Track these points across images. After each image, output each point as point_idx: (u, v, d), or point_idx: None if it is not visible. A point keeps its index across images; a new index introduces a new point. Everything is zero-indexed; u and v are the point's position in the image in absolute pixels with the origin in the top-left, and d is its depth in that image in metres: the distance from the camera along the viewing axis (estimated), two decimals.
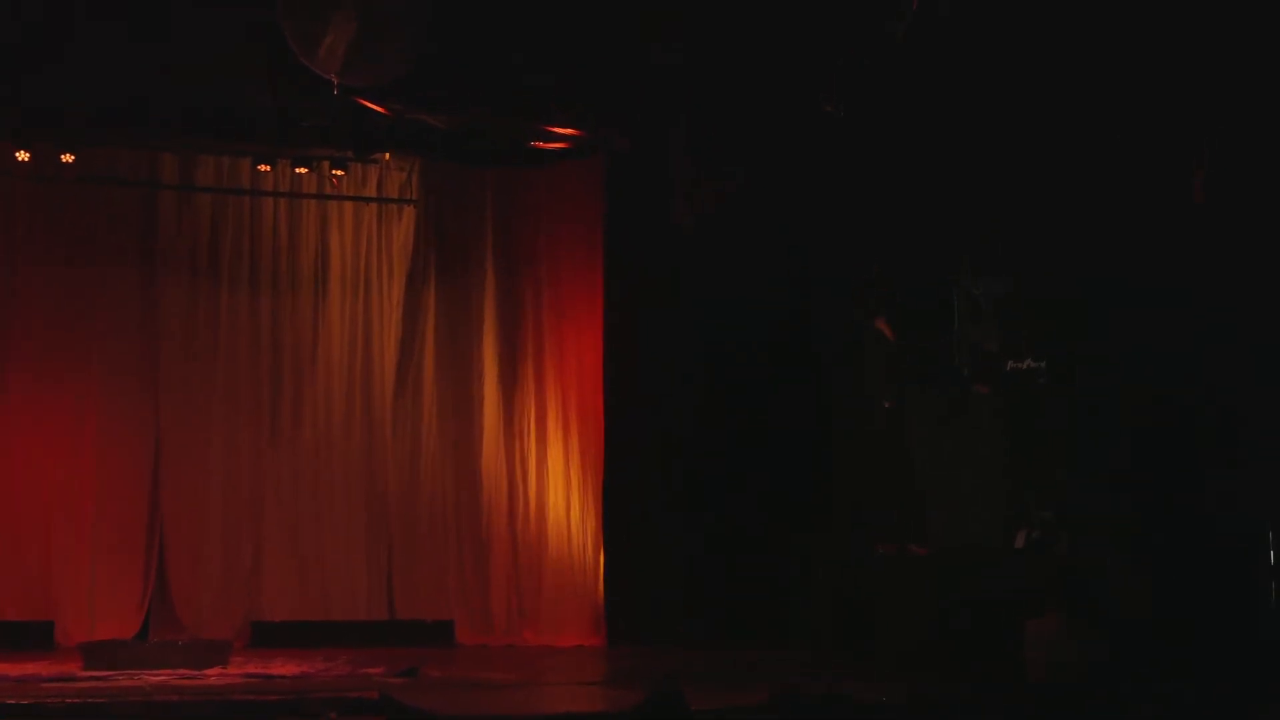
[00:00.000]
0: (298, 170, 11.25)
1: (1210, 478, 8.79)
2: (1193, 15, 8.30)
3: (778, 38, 9.30)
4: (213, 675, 8.57)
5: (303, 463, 11.45)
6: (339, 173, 11.30)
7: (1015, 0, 8.79)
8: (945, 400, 10.18)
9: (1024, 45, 8.95)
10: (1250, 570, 8.51)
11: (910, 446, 10.22)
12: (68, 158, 10.66)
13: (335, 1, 8.63)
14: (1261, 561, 8.49)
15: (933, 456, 10.14)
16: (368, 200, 11.77)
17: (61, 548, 10.90)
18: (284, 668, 8.98)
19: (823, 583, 10.51)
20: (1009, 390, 9.96)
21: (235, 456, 11.33)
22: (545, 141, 11.03)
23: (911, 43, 8.73)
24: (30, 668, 8.73)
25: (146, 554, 11.08)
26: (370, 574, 11.47)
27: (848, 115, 9.34)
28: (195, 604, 11.05)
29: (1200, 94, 8.58)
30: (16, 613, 10.72)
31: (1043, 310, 9.84)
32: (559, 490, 11.66)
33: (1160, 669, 8.01)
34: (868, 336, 10.42)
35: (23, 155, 10.55)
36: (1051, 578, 8.68)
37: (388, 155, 11.48)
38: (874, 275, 10.60)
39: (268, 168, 11.19)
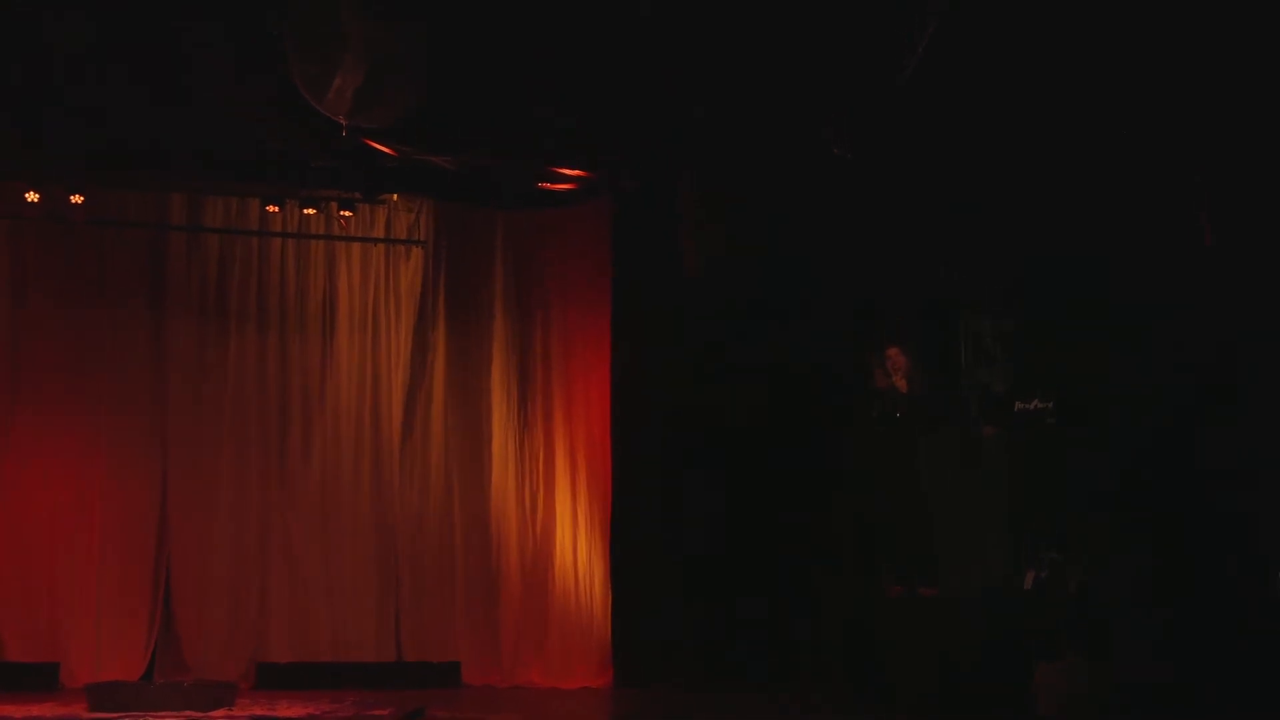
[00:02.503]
0: (306, 211, 11.25)
1: (1220, 516, 8.78)
2: (1197, 57, 8.33)
3: (785, 82, 9.34)
4: (219, 717, 8.56)
5: (310, 503, 11.42)
6: (347, 213, 11.32)
7: (1020, 42, 8.82)
8: (954, 442, 10.16)
9: (1030, 88, 8.99)
10: (1261, 607, 8.48)
11: (919, 488, 10.21)
12: (78, 199, 10.70)
13: (344, 45, 8.69)
14: (1273, 598, 8.47)
15: (942, 498, 10.12)
16: (376, 241, 11.78)
17: (67, 588, 10.87)
18: (290, 709, 8.96)
19: (832, 624, 10.48)
20: (1017, 431, 9.96)
21: (242, 497, 11.30)
22: (553, 183, 11.06)
23: (919, 85, 8.76)
24: (35, 709, 8.72)
25: (153, 595, 11.05)
26: (377, 615, 11.42)
27: (856, 158, 9.37)
28: (201, 645, 11.01)
29: (1206, 138, 8.60)
30: (22, 653, 10.70)
31: (1050, 351, 9.84)
32: (566, 531, 11.62)
33: (1171, 707, 7.98)
34: (876, 378, 10.40)
35: (33, 196, 10.60)
36: (1061, 618, 8.66)
37: (396, 196, 11.50)
38: (882, 316, 10.60)
39: (276, 209, 11.22)
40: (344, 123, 9.10)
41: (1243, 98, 8.37)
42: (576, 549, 11.57)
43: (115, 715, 8.39)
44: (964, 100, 9.15)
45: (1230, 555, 8.72)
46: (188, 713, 8.57)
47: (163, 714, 8.44)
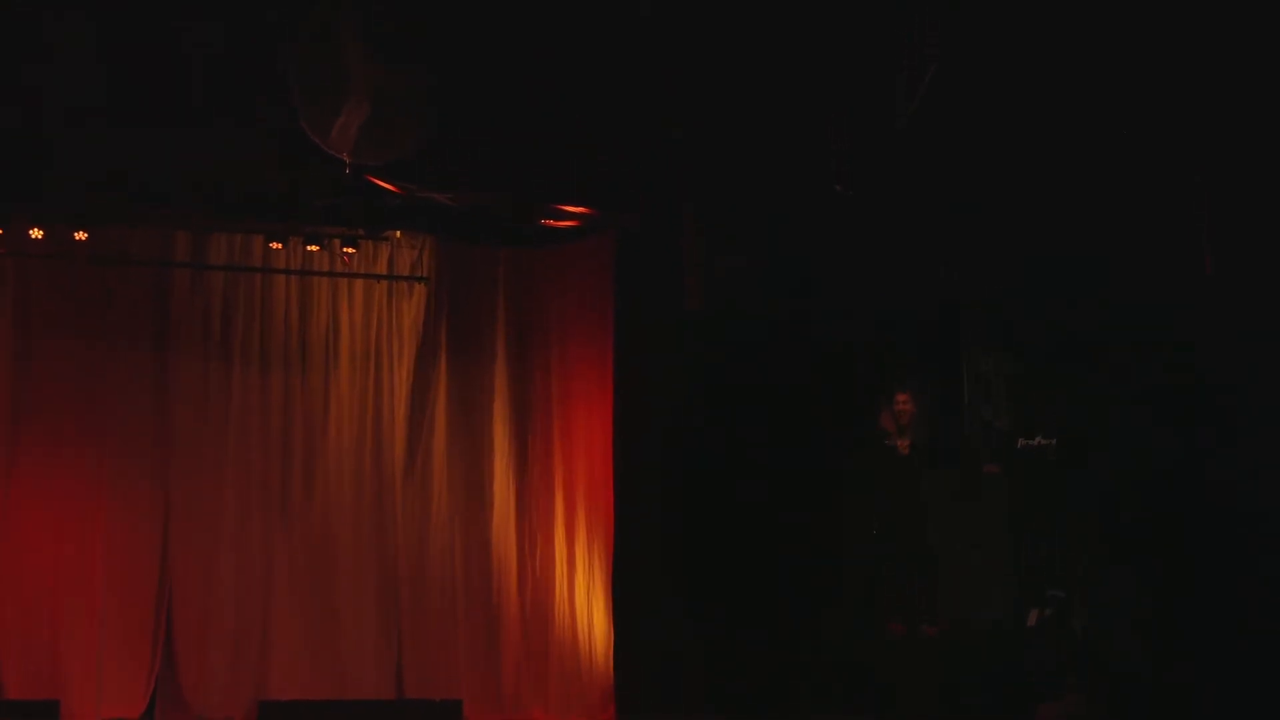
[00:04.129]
0: (309, 248, 11.28)
1: (1225, 554, 8.76)
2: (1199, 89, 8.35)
3: (786, 119, 9.37)
4: None
5: (313, 541, 11.41)
6: (350, 250, 11.36)
7: (1022, 73, 8.85)
8: (956, 479, 10.16)
9: (1032, 117, 9.01)
10: (1267, 647, 8.46)
11: (922, 526, 10.19)
12: (81, 236, 10.72)
13: (348, 83, 8.75)
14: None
15: (944, 535, 10.10)
16: (379, 278, 11.81)
17: (68, 625, 10.84)
18: None
19: (833, 661, 10.44)
20: (1020, 468, 9.95)
21: (245, 534, 11.29)
22: (556, 220, 11.07)
23: (922, 121, 8.79)
24: None
25: (154, 633, 11.01)
26: (379, 652, 11.39)
27: (858, 195, 9.39)
28: (203, 684, 10.97)
29: (1207, 170, 8.62)
30: (22, 691, 10.63)
31: (1052, 387, 9.84)
32: (568, 568, 11.60)
33: None
34: (881, 419, 10.38)
35: (37, 233, 10.62)
36: (1065, 657, 8.63)
37: (399, 233, 11.54)
38: (885, 353, 10.61)
39: (279, 245, 11.23)
40: (348, 160, 9.14)
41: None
42: (578, 585, 11.54)
43: None
44: (968, 135, 9.18)
45: (1238, 593, 8.70)
46: None
47: None
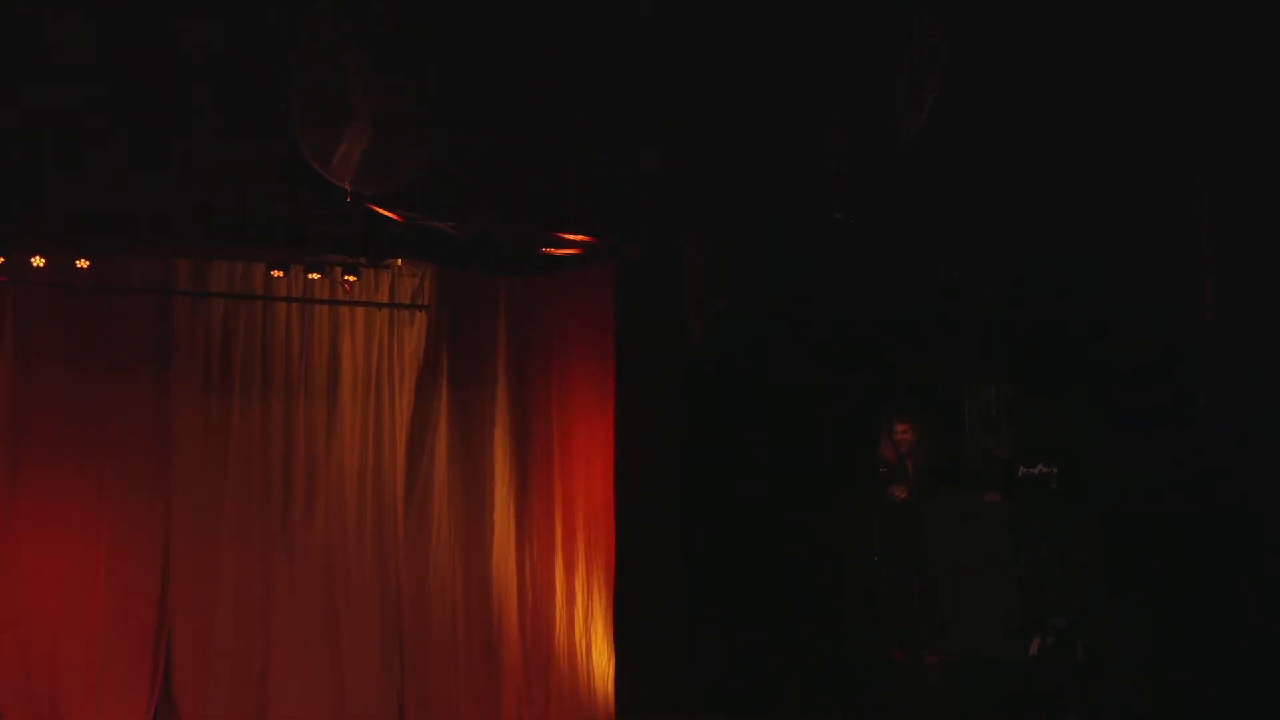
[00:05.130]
0: (310, 276, 11.30)
1: (1227, 583, 8.74)
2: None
3: (787, 148, 9.39)
4: None
5: (313, 568, 11.39)
6: (351, 278, 11.37)
7: (1023, 102, 8.87)
8: (957, 506, 10.14)
9: (1035, 147, 9.02)
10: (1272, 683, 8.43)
11: (924, 552, 10.18)
12: (83, 263, 10.74)
13: (349, 111, 8.77)
14: None
15: (945, 563, 10.09)
16: (380, 306, 11.83)
17: (68, 652, 10.81)
18: None
19: (837, 689, 10.42)
20: (1021, 496, 9.93)
21: (245, 560, 11.27)
22: (557, 248, 11.11)
23: (922, 149, 8.80)
24: None
25: (154, 660, 10.99)
26: (380, 680, 11.36)
27: (858, 222, 9.41)
28: (202, 709, 10.94)
29: (1210, 211, 8.62)
30: (21, 716, 10.59)
31: (1052, 415, 9.83)
32: (568, 595, 11.59)
33: None
34: (881, 447, 10.38)
35: (38, 261, 10.64)
36: (1067, 686, 8.60)
37: (400, 261, 11.56)
38: (888, 379, 10.61)
39: (280, 273, 11.26)
40: (349, 189, 9.16)
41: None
42: (580, 612, 11.54)
43: None
44: (971, 161, 9.20)
45: (1242, 624, 8.67)
46: None
47: None
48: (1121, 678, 8.79)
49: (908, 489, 10.18)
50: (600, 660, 11.39)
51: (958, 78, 8.23)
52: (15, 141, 9.36)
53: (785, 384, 11.04)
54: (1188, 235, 8.78)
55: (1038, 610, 9.68)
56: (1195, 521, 8.81)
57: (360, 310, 11.78)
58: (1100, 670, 8.86)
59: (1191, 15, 8.22)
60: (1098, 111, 8.76)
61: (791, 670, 10.80)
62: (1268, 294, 8.48)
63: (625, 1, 8.81)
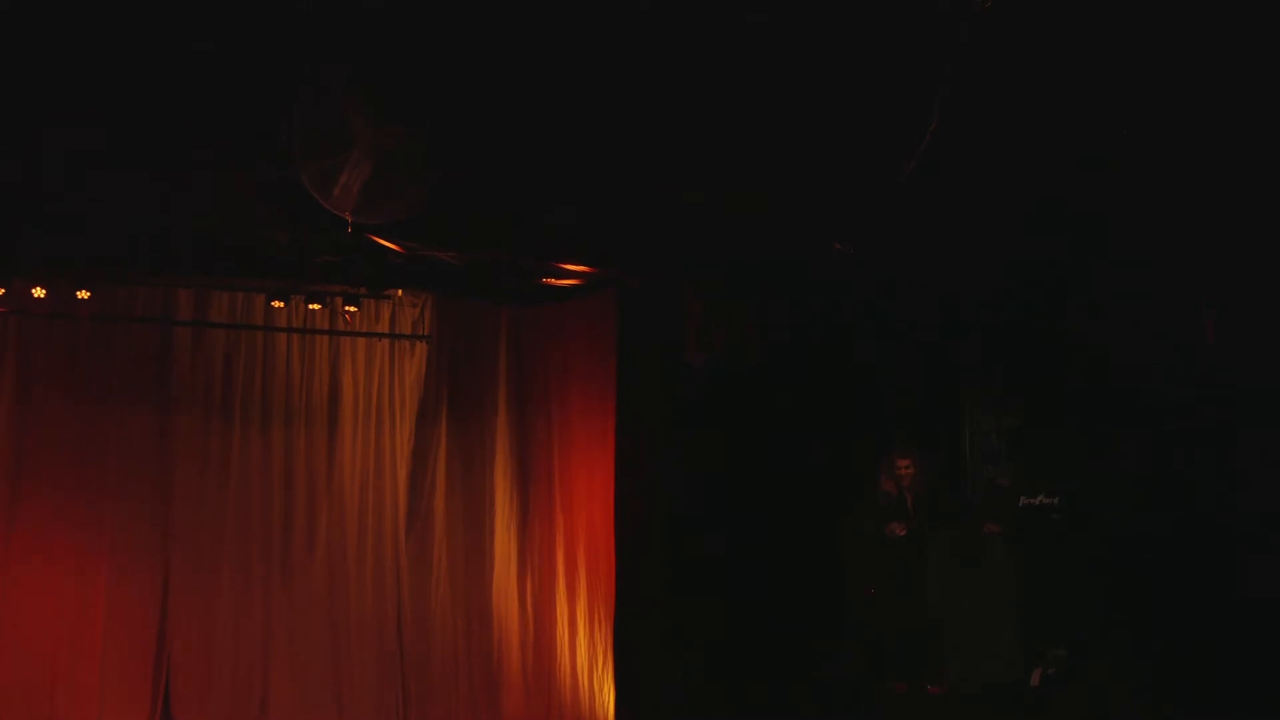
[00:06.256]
0: (311, 306, 11.31)
1: (1227, 614, 8.71)
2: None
3: (785, 183, 9.39)
4: None
5: (314, 598, 11.39)
6: (352, 309, 11.38)
7: (1021, 136, 8.87)
8: (959, 537, 10.12)
9: (1033, 177, 9.03)
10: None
11: (925, 583, 10.15)
12: (84, 294, 10.75)
13: (350, 142, 8.77)
14: None
15: (947, 593, 10.06)
16: (381, 336, 11.85)
17: (68, 680, 10.80)
18: None
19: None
20: (1022, 527, 9.92)
21: (245, 592, 11.27)
22: (558, 278, 11.12)
23: (922, 179, 8.81)
24: None
25: (153, 687, 10.98)
26: (380, 709, 11.35)
27: (858, 254, 9.41)
28: None
29: (1211, 232, 8.62)
30: None
31: (1053, 446, 9.83)
32: (570, 628, 11.55)
33: None
34: (880, 481, 10.35)
35: (39, 292, 10.65)
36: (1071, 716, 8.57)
37: (400, 291, 11.57)
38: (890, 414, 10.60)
39: (281, 304, 11.26)
40: (350, 219, 9.17)
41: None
42: (580, 645, 11.48)
43: None
44: (969, 191, 9.20)
45: (1241, 652, 8.64)
46: None
47: None
48: (1123, 707, 8.76)
49: (907, 526, 10.15)
50: (602, 690, 11.34)
51: (961, 110, 8.25)
52: (13, 170, 9.36)
53: (787, 411, 11.01)
54: (1189, 259, 8.78)
55: (1040, 641, 9.66)
56: (1196, 549, 8.80)
57: (361, 340, 11.80)
58: (1101, 700, 8.83)
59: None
60: (1095, 130, 8.77)
61: (792, 698, 10.74)
62: (1270, 318, 8.47)
63: (627, 34, 8.83)
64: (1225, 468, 8.64)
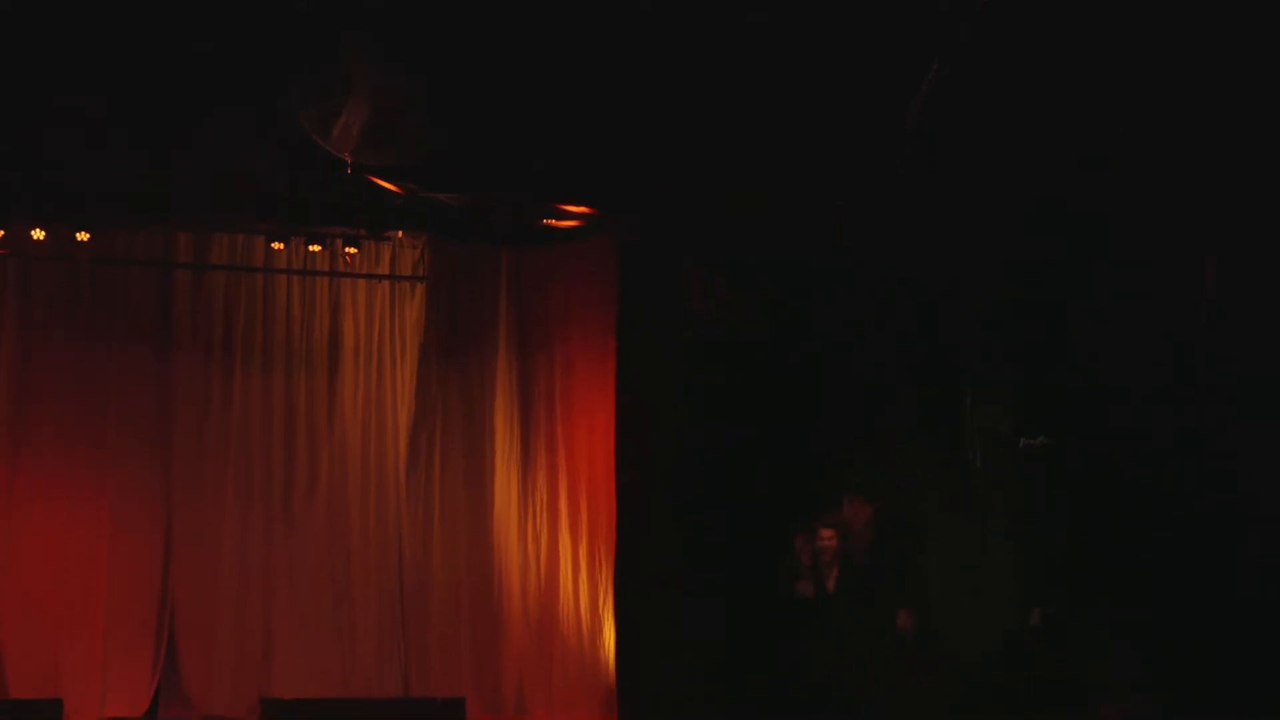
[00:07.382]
0: (311, 248, 11.26)
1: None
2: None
3: (787, 149, 9.36)
4: None
5: (315, 540, 11.42)
6: (352, 250, 11.35)
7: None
8: (955, 489, 10.10)
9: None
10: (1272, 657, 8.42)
11: (921, 537, 10.14)
12: (83, 236, 10.72)
13: (348, 83, 8.75)
14: None
15: (942, 545, 10.05)
16: (380, 278, 11.81)
17: (71, 625, 10.86)
18: None
19: (833, 668, 10.41)
20: (1020, 468, 9.91)
21: (247, 534, 11.30)
22: (558, 220, 11.08)
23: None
24: None
25: (157, 632, 11.04)
26: (382, 651, 11.41)
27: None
28: (206, 681, 11.00)
29: (1212, 191, 8.59)
30: (25, 690, 10.64)
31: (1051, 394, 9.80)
32: (571, 568, 11.58)
33: None
34: (795, 545, 10.25)
35: (39, 234, 10.61)
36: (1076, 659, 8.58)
37: (400, 233, 11.52)
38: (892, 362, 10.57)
39: (281, 245, 11.21)
40: (349, 161, 9.14)
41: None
42: (581, 586, 11.52)
43: None
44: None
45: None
46: None
47: None
48: (1117, 659, 8.80)
49: (815, 587, 9.84)
50: (604, 633, 11.39)
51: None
52: (16, 115, 9.33)
53: (789, 361, 11.01)
54: (1190, 228, 8.75)
55: (1041, 581, 9.68)
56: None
57: (361, 283, 11.77)
58: (1095, 652, 8.87)
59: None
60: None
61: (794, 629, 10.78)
62: (1269, 286, 8.45)
63: None
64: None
